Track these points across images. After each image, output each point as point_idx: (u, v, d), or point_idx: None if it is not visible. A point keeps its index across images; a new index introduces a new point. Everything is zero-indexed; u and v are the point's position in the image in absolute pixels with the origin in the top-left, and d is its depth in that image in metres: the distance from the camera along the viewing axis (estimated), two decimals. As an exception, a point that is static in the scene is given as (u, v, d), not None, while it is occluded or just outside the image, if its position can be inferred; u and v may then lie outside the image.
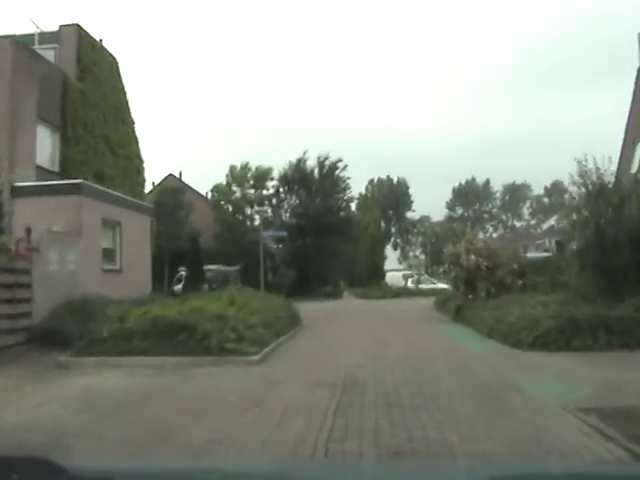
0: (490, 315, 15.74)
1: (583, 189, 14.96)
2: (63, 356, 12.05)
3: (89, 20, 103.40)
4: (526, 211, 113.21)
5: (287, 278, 43.54)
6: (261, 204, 50.31)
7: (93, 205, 20.01)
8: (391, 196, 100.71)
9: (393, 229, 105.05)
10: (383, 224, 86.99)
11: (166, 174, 52.15)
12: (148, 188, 46.31)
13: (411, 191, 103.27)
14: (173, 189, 43.19)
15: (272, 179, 50.66)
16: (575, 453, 5.24)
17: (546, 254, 33.79)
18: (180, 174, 52.39)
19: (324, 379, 9.18)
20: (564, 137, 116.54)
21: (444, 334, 16.68)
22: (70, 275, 17.48)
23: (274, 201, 50.78)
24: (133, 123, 30.14)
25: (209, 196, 52.46)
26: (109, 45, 28.87)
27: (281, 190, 50.57)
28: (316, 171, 50.21)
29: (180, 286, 34.10)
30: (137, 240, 23.22)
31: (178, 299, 18.43)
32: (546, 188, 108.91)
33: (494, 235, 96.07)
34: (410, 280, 51.43)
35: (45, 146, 22.96)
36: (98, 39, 27.93)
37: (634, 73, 25.18)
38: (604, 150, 16.04)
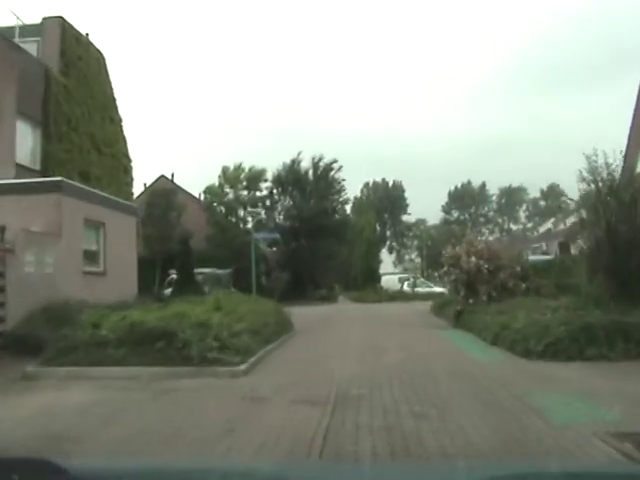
0: (494, 321, 14.75)
1: (593, 186, 13.97)
2: (31, 366, 11.03)
3: (83, 16, 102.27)
4: (522, 214, 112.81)
5: (280, 281, 42.60)
6: (254, 206, 49.32)
7: (74, 204, 19.01)
8: (386, 199, 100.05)
9: (388, 232, 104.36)
10: (378, 227, 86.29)
11: (158, 175, 51.26)
12: (139, 189, 45.85)
13: (407, 194, 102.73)
14: (164, 190, 42.32)
15: (266, 180, 49.65)
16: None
17: (547, 257, 32.77)
18: (172, 175, 51.49)
19: (314, 394, 8.14)
20: (562, 139, 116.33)
21: (445, 341, 15.65)
22: (48, 278, 16.59)
23: (267, 203, 49.79)
24: (121, 121, 29.18)
25: (202, 198, 51.48)
26: (101, 42, 28.03)
27: (275, 192, 49.57)
28: (310, 172, 49.23)
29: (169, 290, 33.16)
30: (122, 242, 22.22)
31: (163, 303, 17.45)
32: (542, 191, 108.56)
33: (490, 238, 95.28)
34: (406, 284, 50.64)
35: (26, 143, 22.01)
36: (84, 33, 27.04)
37: (635, 73, 24.43)
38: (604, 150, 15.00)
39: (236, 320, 13.55)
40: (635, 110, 24.75)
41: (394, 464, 4.74)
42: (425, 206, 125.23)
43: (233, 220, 48.78)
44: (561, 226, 73.62)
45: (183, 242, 35.82)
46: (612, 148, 14.09)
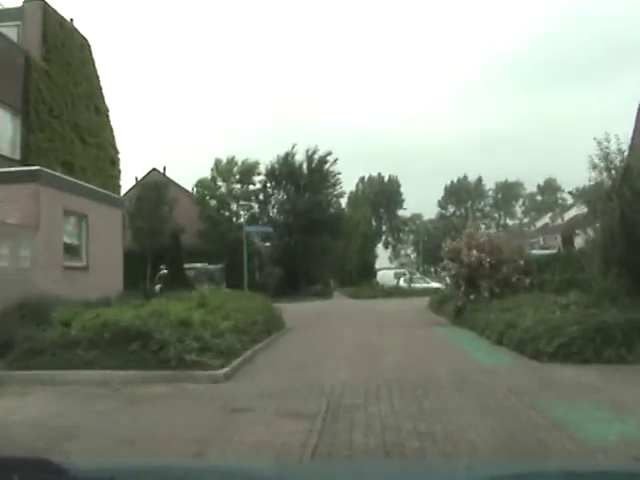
0: (498, 318, 13.78)
1: (605, 174, 12.95)
2: (-6, 369, 10.04)
3: (76, 5, 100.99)
4: (519, 209, 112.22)
5: (274, 277, 41.64)
6: (247, 200, 48.22)
7: (53, 195, 18.00)
8: (382, 194, 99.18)
9: (384, 227, 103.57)
10: (374, 222, 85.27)
11: (150, 169, 50.12)
12: (131, 183, 44.82)
13: (402, 189, 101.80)
14: (155, 184, 41.36)
15: (259, 174, 48.52)
16: None
17: (549, 251, 31.79)
18: (164, 169, 50.34)
19: (301, 405, 7.13)
20: (559, 134, 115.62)
21: (446, 340, 14.65)
22: (24, 273, 15.73)
23: (261, 196, 48.69)
24: (107, 111, 28.09)
25: (195, 191, 50.40)
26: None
27: (268, 185, 48.48)
28: (305, 165, 48.14)
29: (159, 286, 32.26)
30: (107, 235, 21.19)
31: (146, 300, 16.43)
32: (539, 186, 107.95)
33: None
34: (402, 279, 49.78)
35: (4, 131, 21.01)
36: (69, 19, 25.95)
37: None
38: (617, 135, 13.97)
39: (221, 318, 12.61)
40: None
41: (394, 464, 4.54)
42: (421, 201, 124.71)
43: (226, 214, 47.68)
44: (559, 220, 73.05)
45: (173, 236, 34.93)
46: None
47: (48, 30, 23.41)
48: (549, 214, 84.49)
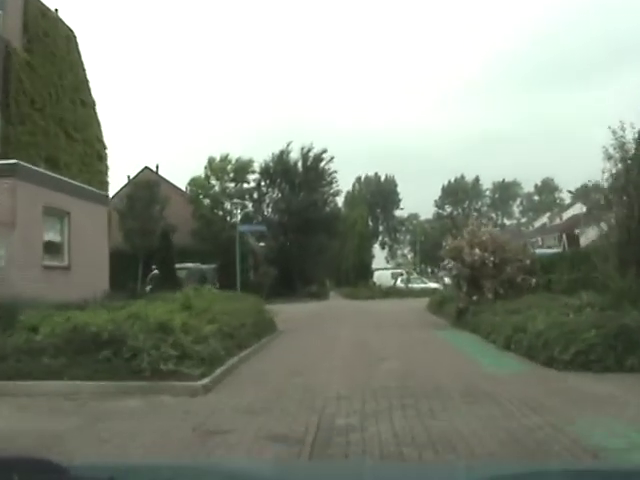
0: (504, 321, 12.82)
1: (620, 165, 11.98)
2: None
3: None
4: (516, 209, 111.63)
5: (268, 277, 40.66)
6: (241, 198, 47.16)
7: (32, 191, 17.05)
8: (378, 194, 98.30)
9: (381, 227, 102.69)
10: (370, 222, 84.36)
11: (142, 167, 49.10)
12: (123, 181, 43.81)
13: (399, 189, 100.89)
14: (147, 182, 40.27)
15: (253, 172, 47.50)
16: None
17: (553, 250, 30.87)
18: (157, 167, 49.30)
19: (287, 425, 6.13)
20: (559, 134, 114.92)
21: (449, 345, 13.64)
22: (-2, 272, 14.72)
23: (255, 195, 47.65)
24: (94, 104, 27.03)
25: (188, 190, 49.41)
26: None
27: (262, 184, 47.42)
28: (299, 163, 47.11)
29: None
30: (91, 233, 20.21)
31: (126, 302, 15.43)
32: (536, 186, 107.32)
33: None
34: (399, 279, 48.97)
35: (-18, 124, 19.98)
36: (53, 9, 24.95)
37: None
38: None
39: (206, 321, 11.61)
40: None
41: (394, 464, 4.51)
42: (418, 201, 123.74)
43: (219, 213, 46.66)
44: (557, 220, 72.28)
45: (163, 236, 33.97)
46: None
47: (29, 19, 22.42)
48: (547, 214, 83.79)
